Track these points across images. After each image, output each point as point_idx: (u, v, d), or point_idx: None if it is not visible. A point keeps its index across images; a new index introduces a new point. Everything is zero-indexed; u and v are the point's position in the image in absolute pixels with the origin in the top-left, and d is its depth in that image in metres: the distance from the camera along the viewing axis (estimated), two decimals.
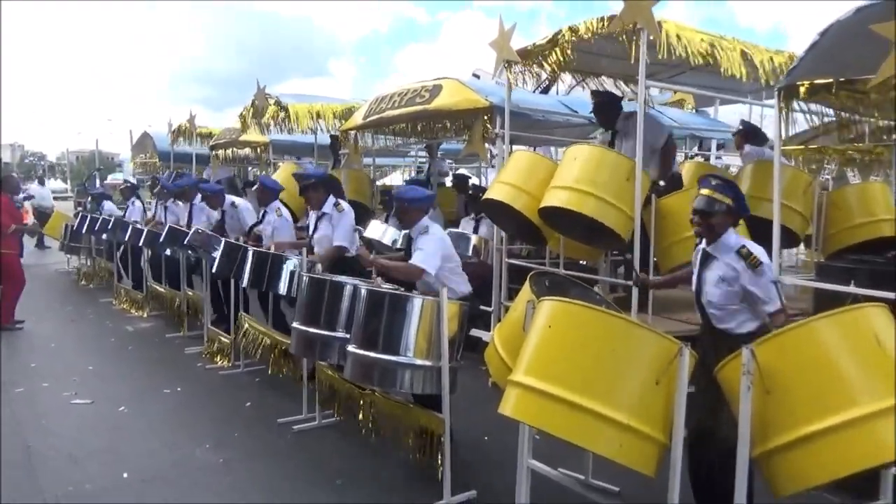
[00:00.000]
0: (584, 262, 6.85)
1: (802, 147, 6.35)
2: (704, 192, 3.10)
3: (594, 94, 5.72)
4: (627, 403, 2.39)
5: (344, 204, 5.42)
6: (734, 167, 8.01)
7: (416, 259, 4.10)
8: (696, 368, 2.66)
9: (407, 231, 4.38)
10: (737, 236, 3.10)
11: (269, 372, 5.49)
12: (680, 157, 7.98)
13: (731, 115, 9.08)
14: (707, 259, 3.13)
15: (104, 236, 9.60)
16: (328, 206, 5.35)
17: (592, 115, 5.75)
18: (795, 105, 4.06)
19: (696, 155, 8.66)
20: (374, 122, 6.97)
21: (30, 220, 15.19)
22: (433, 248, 4.13)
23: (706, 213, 3.07)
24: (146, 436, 4.51)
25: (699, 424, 3.01)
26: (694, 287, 3.20)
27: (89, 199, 11.59)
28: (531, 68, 5.30)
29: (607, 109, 5.52)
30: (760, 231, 4.48)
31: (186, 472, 3.98)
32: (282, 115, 7.64)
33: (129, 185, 11.19)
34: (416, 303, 3.55)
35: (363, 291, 3.72)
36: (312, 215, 5.50)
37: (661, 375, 2.43)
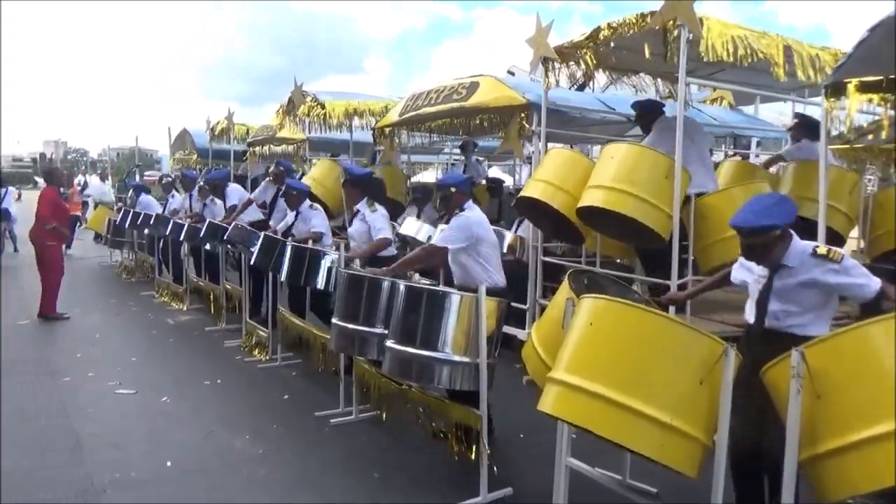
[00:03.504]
0: (621, 261, 6.81)
1: (848, 146, 6.19)
2: (747, 242, 2.91)
3: (633, 105, 5.76)
4: (670, 403, 2.37)
5: (377, 204, 5.56)
6: (774, 167, 7.86)
7: (436, 237, 4.17)
8: (743, 373, 2.62)
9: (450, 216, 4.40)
10: (802, 242, 2.95)
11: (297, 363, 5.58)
12: (719, 155, 7.86)
13: (771, 112, 8.91)
14: (779, 269, 2.95)
15: (146, 231, 9.81)
16: (361, 205, 5.51)
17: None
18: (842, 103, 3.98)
19: (736, 153, 8.52)
20: (411, 119, 7.00)
21: (89, 211, 15.64)
22: (458, 225, 4.21)
23: (763, 254, 2.91)
24: (188, 426, 4.62)
25: (746, 432, 2.94)
26: (756, 298, 3.04)
27: (130, 192, 11.93)
28: (568, 65, 5.27)
29: (643, 116, 5.58)
30: (803, 231, 4.38)
31: (226, 463, 4.06)
32: (319, 112, 7.72)
33: (169, 179, 11.45)
34: (455, 299, 3.56)
35: (401, 287, 3.74)
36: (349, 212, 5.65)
37: (705, 375, 2.41)
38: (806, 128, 6.19)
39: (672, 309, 4.59)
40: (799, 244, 2.95)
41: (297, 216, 6.32)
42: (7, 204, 13.78)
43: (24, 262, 11.99)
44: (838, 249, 2.90)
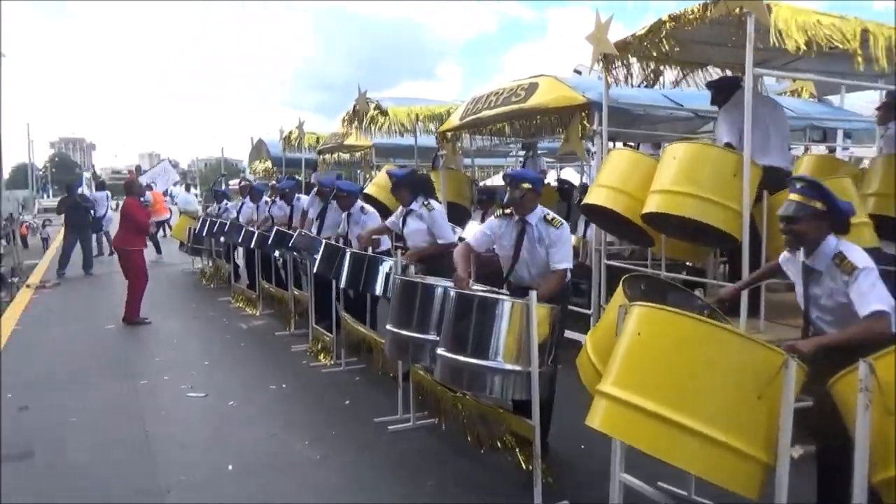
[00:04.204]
0: (691, 264, 6.51)
1: None
2: (791, 196, 2.85)
3: (707, 84, 5.41)
4: (724, 419, 2.21)
5: (433, 203, 5.49)
6: (867, 160, 7.31)
7: (560, 262, 3.99)
8: (810, 381, 2.43)
9: (520, 216, 4.11)
10: (836, 242, 2.80)
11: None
12: (799, 149, 7.41)
13: (859, 101, 8.33)
14: (811, 273, 2.87)
15: (222, 238, 10.20)
16: (416, 205, 5.44)
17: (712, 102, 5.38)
18: None
19: (827, 146, 7.99)
20: (471, 123, 6.96)
21: (174, 220, 16.51)
22: (568, 244, 4.08)
23: (790, 218, 2.82)
24: (251, 429, 4.73)
25: (826, 441, 2.76)
26: (802, 305, 2.94)
27: (215, 200, 12.50)
28: (627, 62, 5.08)
29: (719, 93, 5.21)
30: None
31: (286, 467, 4.13)
32: (381, 119, 7.80)
33: (247, 182, 11.86)
34: (506, 306, 3.48)
35: (452, 294, 3.70)
36: (400, 209, 5.64)
37: (763, 389, 2.24)
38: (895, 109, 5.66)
39: (744, 315, 4.36)
40: (829, 246, 2.80)
41: (349, 218, 6.40)
42: (101, 208, 14.66)
43: (116, 266, 12.72)
44: (853, 261, 2.69)
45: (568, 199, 8.61)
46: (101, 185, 16.54)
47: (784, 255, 3.15)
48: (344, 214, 6.53)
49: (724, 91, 5.14)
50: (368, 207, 6.59)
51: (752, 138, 4.28)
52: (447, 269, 5.08)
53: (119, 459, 4.22)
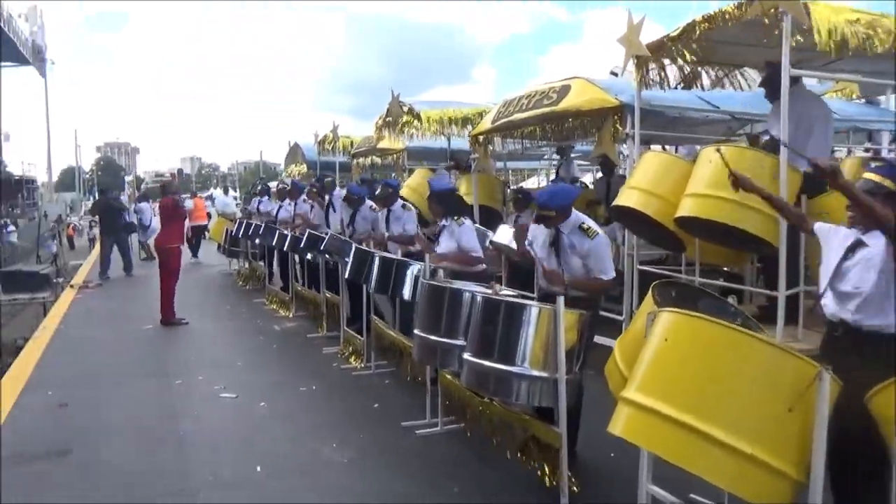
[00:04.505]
0: (729, 269, 6.36)
1: None
2: (866, 175, 2.78)
3: (768, 64, 5.19)
4: (751, 431, 2.14)
5: (462, 217, 5.48)
6: None
7: (603, 272, 3.99)
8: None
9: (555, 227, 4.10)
10: None
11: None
12: (842, 151, 7.19)
13: None
14: (857, 246, 2.75)
15: (257, 240, 10.34)
16: (447, 220, 5.44)
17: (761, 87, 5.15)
18: None
19: (869, 149, 7.74)
20: (503, 126, 6.93)
21: (212, 223, 16.81)
22: (607, 254, 4.06)
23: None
24: (280, 431, 4.78)
25: (838, 451, 2.65)
26: (830, 275, 2.82)
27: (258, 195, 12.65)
28: (661, 63, 4.99)
29: (774, 78, 4.98)
30: None
31: (312, 469, 4.15)
32: (414, 122, 7.83)
33: (284, 186, 11.99)
34: (533, 312, 3.45)
35: (479, 299, 3.68)
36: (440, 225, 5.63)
37: (794, 402, 2.16)
38: None
39: (780, 322, 4.23)
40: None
41: (388, 214, 6.44)
42: (146, 218, 15.02)
43: (156, 269, 13.02)
44: None
45: (608, 176, 8.38)
46: (143, 197, 16.91)
47: (822, 225, 3.02)
48: (383, 212, 6.56)
49: (779, 76, 4.90)
50: (409, 205, 6.64)
51: (796, 142, 4.16)
52: (470, 273, 5.10)
53: (152, 458, 4.30)
